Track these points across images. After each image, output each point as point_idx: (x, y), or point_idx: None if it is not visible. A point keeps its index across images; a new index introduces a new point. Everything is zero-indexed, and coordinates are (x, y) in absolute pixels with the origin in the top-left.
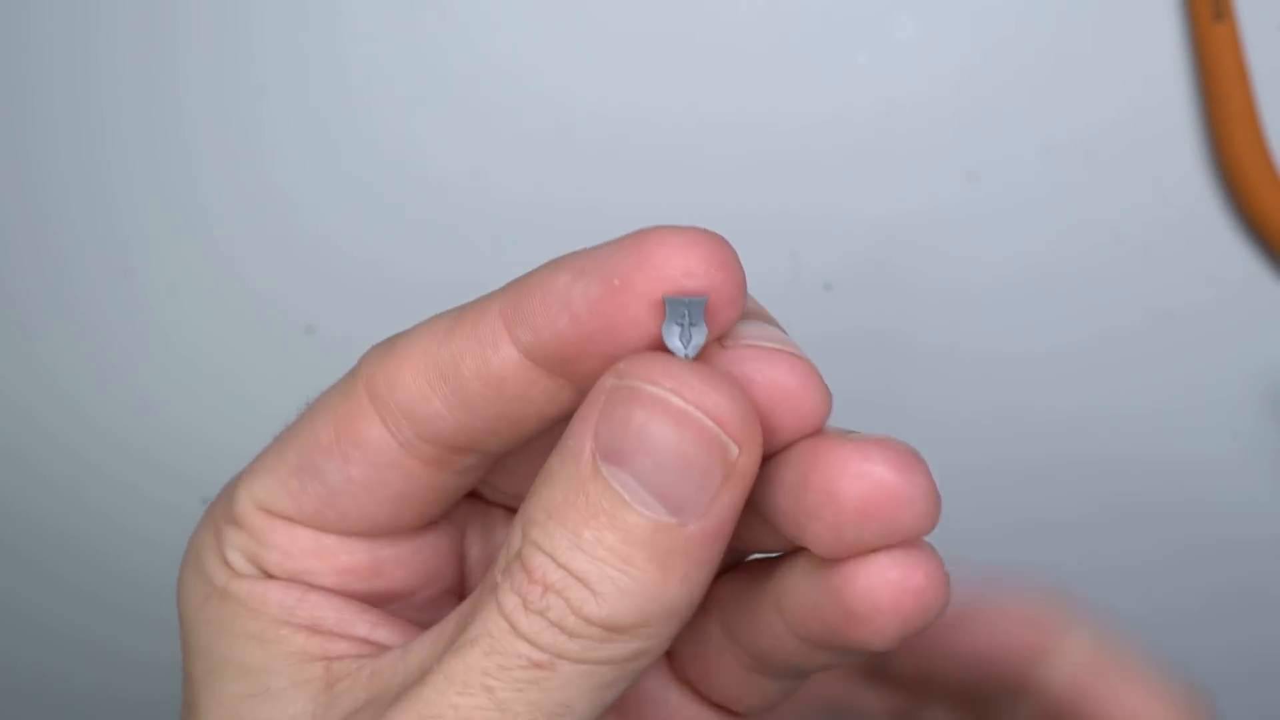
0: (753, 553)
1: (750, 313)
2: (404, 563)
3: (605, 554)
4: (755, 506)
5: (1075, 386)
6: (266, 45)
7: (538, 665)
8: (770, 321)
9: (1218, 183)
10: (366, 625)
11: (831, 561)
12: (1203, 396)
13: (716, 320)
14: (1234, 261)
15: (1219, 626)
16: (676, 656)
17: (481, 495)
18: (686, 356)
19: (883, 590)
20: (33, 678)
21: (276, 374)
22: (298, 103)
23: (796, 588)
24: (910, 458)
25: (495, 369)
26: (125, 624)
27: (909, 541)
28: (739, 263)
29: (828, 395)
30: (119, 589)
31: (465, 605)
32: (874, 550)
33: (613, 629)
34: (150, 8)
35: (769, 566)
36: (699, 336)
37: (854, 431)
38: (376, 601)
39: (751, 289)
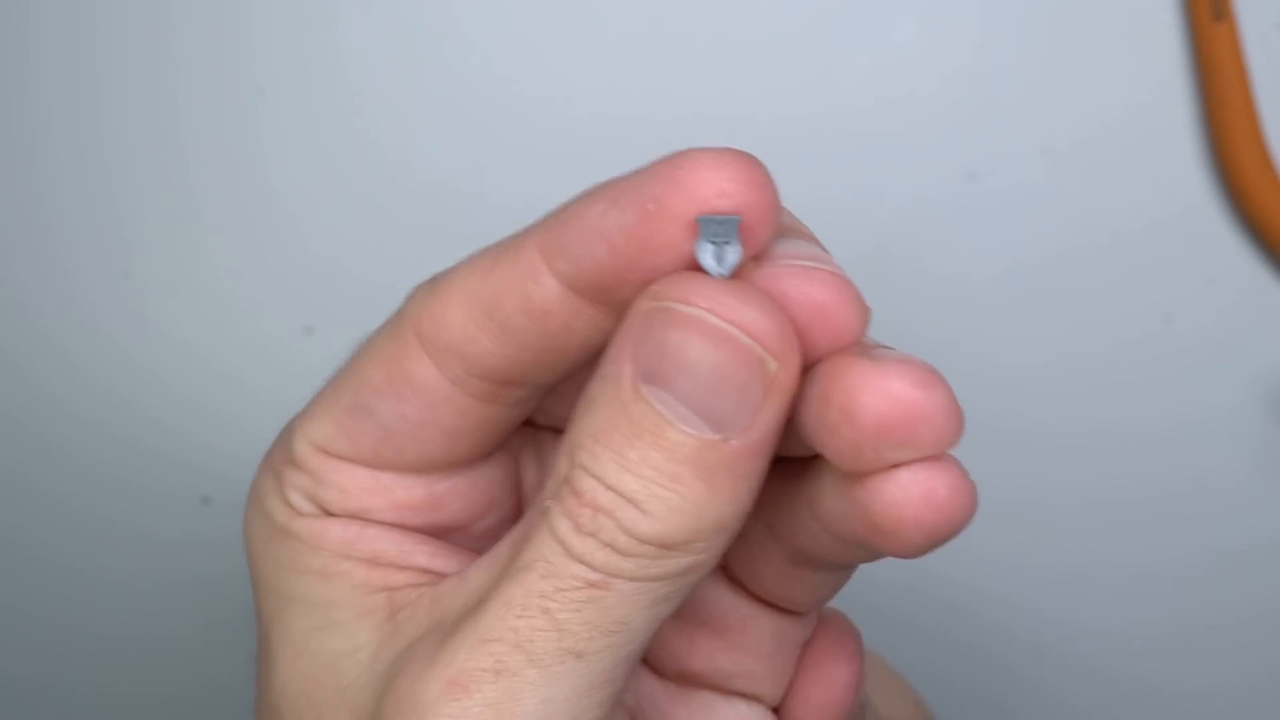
0: (789, 456)
1: (790, 230)
2: (461, 495)
3: (652, 473)
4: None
5: (1074, 386)
6: (265, 46)
7: (593, 585)
8: (810, 239)
9: (1217, 183)
10: (425, 555)
11: (856, 475)
12: (1202, 397)
13: (752, 239)
14: (1233, 261)
15: (1219, 629)
16: (726, 558)
17: (532, 421)
18: (720, 275)
19: (905, 506)
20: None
21: (276, 374)
22: (296, 104)
23: (826, 495)
24: (929, 375)
25: (538, 302)
26: (133, 621)
27: (932, 456)
28: (772, 182)
29: (865, 311)
30: (122, 586)
31: (517, 530)
32: (896, 465)
33: (665, 545)
34: (148, 8)
35: (804, 465)
36: (733, 255)
37: (884, 347)
38: (436, 533)
39: None
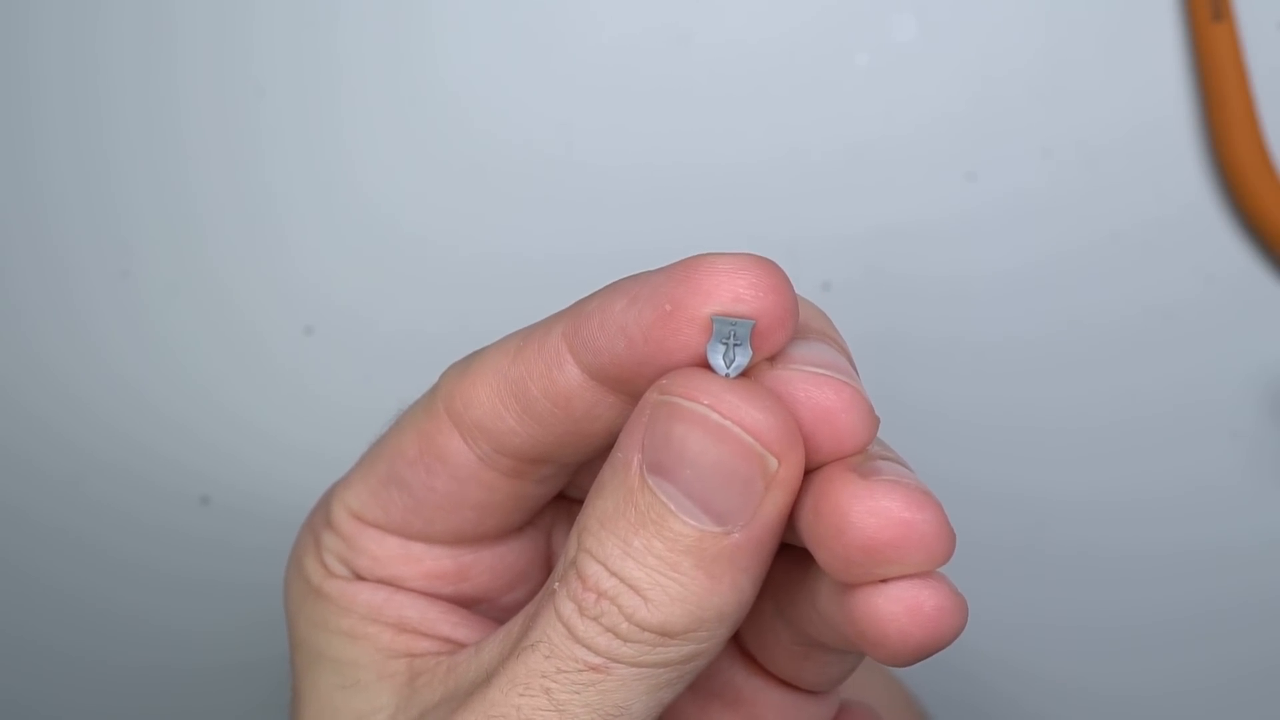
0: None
1: (812, 332)
2: (489, 568)
3: (655, 561)
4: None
5: (1075, 387)
6: (265, 46)
7: (593, 669)
8: (831, 340)
9: (1216, 182)
10: (449, 625)
11: (846, 584)
12: (1201, 396)
13: (767, 341)
14: (1233, 261)
15: (1217, 628)
16: (738, 633)
17: (566, 494)
18: (727, 375)
19: (891, 620)
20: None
21: (276, 374)
22: (296, 104)
23: (823, 593)
24: (920, 495)
25: (561, 388)
26: (126, 623)
27: (920, 572)
28: (789, 287)
29: (872, 421)
30: (119, 585)
31: (531, 606)
32: (885, 579)
33: (664, 633)
34: (148, 8)
35: (809, 555)
36: (742, 357)
37: (886, 458)
38: (463, 603)
39: None
